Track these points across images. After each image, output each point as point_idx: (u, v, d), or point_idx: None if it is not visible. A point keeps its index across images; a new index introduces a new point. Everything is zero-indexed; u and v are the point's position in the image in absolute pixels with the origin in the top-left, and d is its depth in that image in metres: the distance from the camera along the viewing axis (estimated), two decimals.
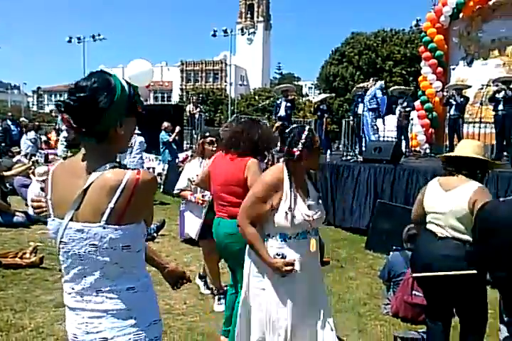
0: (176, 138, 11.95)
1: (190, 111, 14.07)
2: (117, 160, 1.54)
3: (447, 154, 3.28)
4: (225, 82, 66.62)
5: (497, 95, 8.84)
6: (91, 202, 1.44)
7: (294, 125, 2.93)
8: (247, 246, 2.70)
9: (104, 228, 1.44)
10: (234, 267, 3.31)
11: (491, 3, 11.57)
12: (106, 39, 35.73)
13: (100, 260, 1.47)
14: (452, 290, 2.92)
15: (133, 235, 1.49)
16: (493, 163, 3.25)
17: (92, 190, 1.44)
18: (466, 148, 3.06)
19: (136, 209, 1.47)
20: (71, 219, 1.46)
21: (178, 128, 11.95)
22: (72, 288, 1.52)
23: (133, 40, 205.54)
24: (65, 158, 1.76)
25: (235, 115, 18.61)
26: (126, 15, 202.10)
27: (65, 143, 1.67)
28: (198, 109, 14.29)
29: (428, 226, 3.06)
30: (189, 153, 12.37)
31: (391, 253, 4.85)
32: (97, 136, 1.48)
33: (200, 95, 16.36)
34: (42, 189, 1.67)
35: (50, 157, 13.65)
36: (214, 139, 4.31)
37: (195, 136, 13.84)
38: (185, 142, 15.02)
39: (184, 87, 71.38)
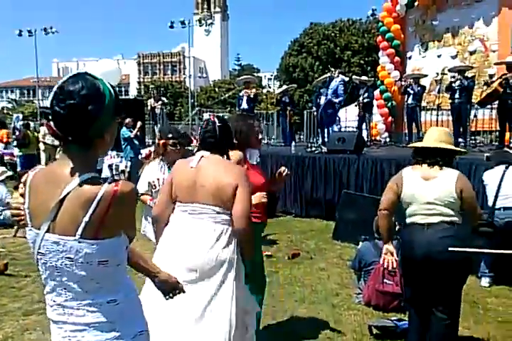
0: (138, 133, 11.72)
1: (151, 105, 13.83)
2: (96, 168, 1.48)
3: (417, 144, 3.33)
4: (184, 74, 65.89)
5: (453, 84, 9.10)
6: (67, 214, 1.38)
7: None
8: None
9: (79, 242, 1.37)
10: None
11: None
12: (58, 32, 34.43)
13: (77, 274, 1.41)
14: (440, 275, 2.98)
15: (111, 250, 1.43)
16: (459, 151, 3.34)
17: (68, 201, 1.38)
18: (435, 136, 3.13)
19: (115, 223, 1.41)
20: (48, 230, 1.40)
21: (139, 124, 11.72)
22: (54, 301, 1.47)
23: (87, 33, 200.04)
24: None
25: (196, 108, 18.43)
26: (80, 6, 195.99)
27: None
28: (160, 102, 14.04)
29: (411, 218, 3.09)
30: (152, 148, 12.15)
31: (360, 243, 4.94)
32: (84, 143, 1.42)
33: (159, 88, 16.06)
34: (22, 195, 1.55)
35: (6, 158, 13.16)
36: (177, 141, 3.88)
37: (157, 130, 13.65)
38: (147, 137, 14.77)
39: (142, 80, 70.13)
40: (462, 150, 3.47)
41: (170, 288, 1.85)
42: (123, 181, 1.45)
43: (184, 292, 1.93)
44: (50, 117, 1.39)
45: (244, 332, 2.59)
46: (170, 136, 3.89)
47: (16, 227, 6.30)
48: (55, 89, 1.42)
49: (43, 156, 12.26)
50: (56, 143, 12.63)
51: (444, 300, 3.06)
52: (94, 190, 1.37)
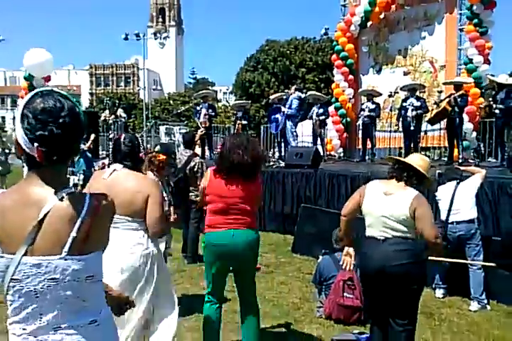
0: (91, 146, 11.46)
1: (105, 117, 13.57)
2: (68, 182, 1.46)
3: (399, 158, 3.45)
4: (138, 86, 65.07)
5: (404, 103, 9.48)
6: (49, 234, 1.33)
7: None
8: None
9: (65, 259, 1.33)
10: (244, 274, 3.40)
11: (394, 15, 12.39)
12: (4, 40, 33.28)
13: (61, 294, 1.35)
14: (394, 288, 3.06)
15: (96, 264, 1.41)
16: (428, 182, 3.40)
17: (49, 220, 1.33)
18: (416, 161, 3.25)
19: (99, 236, 1.40)
20: (25, 254, 1.33)
21: (92, 136, 11.48)
22: (24, 329, 1.38)
23: (36, 42, 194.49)
24: None
25: (152, 121, 18.22)
26: (28, 14, 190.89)
27: None
28: (113, 116, 13.79)
29: (369, 231, 3.20)
30: (106, 161, 11.91)
31: (320, 256, 5.00)
32: (67, 160, 1.40)
33: (111, 100, 15.81)
34: None
35: None
36: (173, 163, 4.09)
37: (110, 142, 13.39)
38: (100, 148, 14.45)
39: (94, 91, 68.79)
40: (431, 179, 3.47)
41: (121, 305, 1.82)
42: (102, 194, 1.45)
43: (134, 306, 1.92)
44: (40, 140, 1.33)
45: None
46: (173, 156, 3.96)
47: None
48: (25, 110, 1.36)
49: None
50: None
51: (400, 312, 3.14)
52: (78, 204, 1.35)
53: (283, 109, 10.46)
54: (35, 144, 1.33)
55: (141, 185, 2.81)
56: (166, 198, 3.50)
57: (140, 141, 3.16)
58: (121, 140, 2.98)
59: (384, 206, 3.11)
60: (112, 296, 1.77)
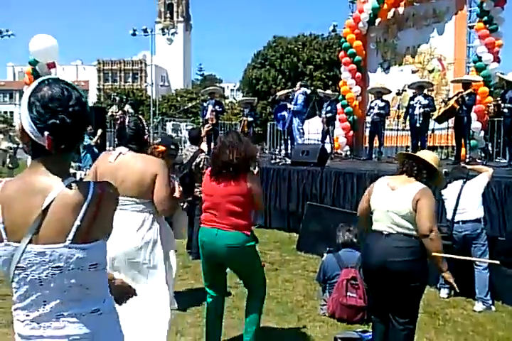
0: (98, 141, 11.49)
1: (112, 112, 13.56)
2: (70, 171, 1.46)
3: (411, 153, 3.49)
4: (145, 82, 65.14)
5: (411, 101, 9.41)
6: (53, 222, 1.34)
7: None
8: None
9: (69, 248, 1.35)
10: (245, 274, 3.43)
11: (403, 11, 12.29)
12: (15, 35, 33.39)
13: (64, 283, 1.37)
14: (394, 285, 3.05)
15: (99, 252, 1.43)
16: (439, 177, 3.35)
17: (53, 208, 1.34)
18: (428, 156, 3.24)
19: (102, 224, 1.42)
20: (30, 242, 1.35)
21: (100, 131, 11.50)
22: (27, 315, 1.40)
23: None
24: None
25: (160, 117, 18.24)
26: (38, 10, 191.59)
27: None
28: (121, 112, 13.78)
29: (374, 225, 3.19)
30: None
31: (324, 255, 4.99)
32: (73, 148, 1.42)
33: (121, 96, 15.85)
34: None
35: None
36: (174, 154, 4.15)
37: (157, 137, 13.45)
38: (107, 144, 14.48)
39: (102, 86, 68.90)
40: (441, 174, 3.41)
41: (123, 293, 1.82)
42: (106, 182, 1.47)
43: (136, 295, 1.91)
44: (51, 129, 1.34)
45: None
46: (172, 147, 4.14)
47: None
48: (32, 98, 1.36)
49: None
50: (5, 147, 12.25)
51: (401, 310, 3.13)
52: (82, 192, 1.36)
53: (289, 105, 10.43)
54: (46, 133, 1.33)
55: (148, 165, 2.86)
56: (172, 178, 3.49)
57: (145, 123, 3.15)
58: (126, 123, 2.99)
59: (390, 201, 3.10)
60: (115, 285, 1.78)
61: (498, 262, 4.43)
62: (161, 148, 3.81)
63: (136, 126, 3.00)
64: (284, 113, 10.60)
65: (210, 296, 3.42)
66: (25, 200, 1.37)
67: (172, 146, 4.15)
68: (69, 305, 1.39)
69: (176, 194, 3.08)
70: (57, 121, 1.34)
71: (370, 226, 3.25)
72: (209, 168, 3.38)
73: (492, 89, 10.52)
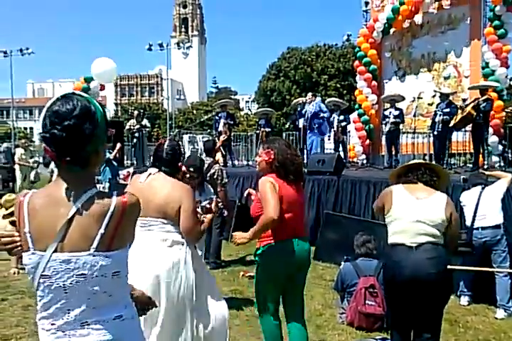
0: (117, 155, 11.64)
1: (130, 126, 13.74)
2: (95, 182, 1.51)
3: (412, 162, 3.47)
4: (162, 96, 66.05)
5: (436, 109, 9.38)
6: (78, 231, 1.40)
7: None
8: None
9: (93, 256, 1.40)
10: (303, 282, 3.36)
11: (418, 20, 12.28)
12: (34, 53, 34.26)
13: (88, 290, 1.41)
14: (426, 296, 3.00)
15: (122, 260, 1.48)
16: (446, 181, 3.40)
17: (77, 219, 1.40)
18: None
19: (125, 233, 1.47)
20: (55, 251, 1.40)
21: (118, 145, 11.65)
22: (52, 324, 1.44)
23: (63, 54, 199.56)
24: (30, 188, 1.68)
25: (176, 130, 18.44)
26: (56, 27, 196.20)
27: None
28: (138, 126, 13.96)
29: (397, 238, 3.09)
30: (131, 170, 12.08)
31: (342, 263, 4.97)
32: (82, 162, 1.44)
33: (139, 110, 16.06)
34: (12, 223, 1.54)
35: None
36: (195, 175, 4.21)
37: (133, 150, 13.60)
38: (125, 158, 14.67)
39: (119, 101, 70.00)
40: (462, 177, 3.54)
41: (143, 305, 1.84)
42: (129, 193, 1.50)
43: (156, 306, 1.95)
44: (47, 141, 1.41)
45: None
46: (191, 169, 4.20)
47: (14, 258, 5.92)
48: (45, 113, 1.44)
49: (18, 177, 12.05)
50: (31, 163, 12.50)
51: (429, 321, 3.07)
52: (105, 203, 1.42)
53: (301, 122, 10.60)
54: (43, 145, 1.42)
55: (174, 191, 2.83)
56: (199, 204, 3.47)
57: (182, 149, 3.13)
58: (164, 147, 3.00)
59: (419, 210, 3.05)
60: (134, 297, 1.79)
61: None
62: (183, 168, 3.89)
63: (173, 151, 3.00)
64: (299, 122, 10.70)
65: (274, 323, 3.25)
66: (50, 210, 1.43)
67: (191, 168, 4.19)
68: (92, 312, 1.43)
69: (205, 223, 3.01)
70: (48, 135, 1.40)
71: (388, 239, 3.20)
72: (274, 180, 3.11)
73: (503, 94, 10.42)
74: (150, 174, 2.95)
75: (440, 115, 9.06)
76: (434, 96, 9.55)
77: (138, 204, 1.51)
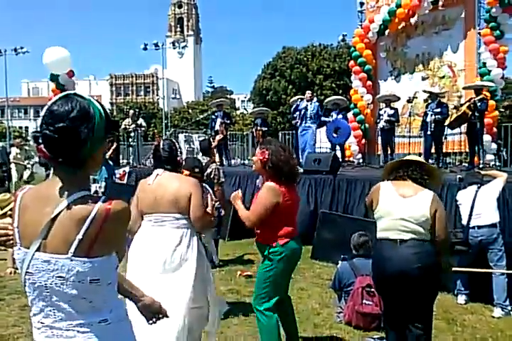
0: (112, 155, 11.60)
1: (126, 124, 13.70)
2: (89, 186, 1.48)
3: (405, 158, 3.42)
4: (157, 95, 65.90)
5: (426, 109, 9.42)
6: (59, 232, 1.36)
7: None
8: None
9: (71, 260, 1.36)
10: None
11: (413, 21, 12.32)
12: (29, 52, 34.04)
13: (67, 293, 1.38)
14: (412, 291, 3.04)
15: (103, 268, 1.41)
16: (439, 181, 3.44)
17: (60, 219, 1.37)
18: (417, 157, 3.27)
19: (107, 241, 1.40)
20: (38, 249, 1.38)
21: (114, 145, 11.62)
22: (42, 322, 1.43)
23: None
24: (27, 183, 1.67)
25: (172, 130, 18.41)
26: (48, 27, 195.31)
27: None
28: (134, 125, 13.92)
29: (383, 234, 3.17)
30: (126, 169, 12.05)
31: (339, 262, 4.98)
32: (76, 164, 1.41)
33: (134, 109, 15.92)
34: (10, 216, 1.53)
35: None
36: (199, 176, 4.29)
37: (131, 149, 13.57)
38: (121, 157, 14.63)
39: (114, 101, 69.80)
40: (458, 176, 3.54)
41: (153, 313, 1.81)
42: (116, 200, 1.43)
43: (167, 316, 1.89)
44: (40, 140, 1.39)
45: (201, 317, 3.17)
46: (196, 170, 4.38)
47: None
48: (44, 112, 1.42)
49: (14, 176, 12.00)
50: (25, 162, 12.44)
51: (418, 316, 3.11)
52: (87, 208, 1.36)
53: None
54: (34, 144, 1.41)
55: (182, 184, 3.08)
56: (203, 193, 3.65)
57: (177, 145, 3.34)
58: (161, 146, 3.22)
59: (403, 209, 3.09)
60: (144, 304, 1.78)
61: None
62: (186, 172, 3.98)
63: (170, 149, 3.21)
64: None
65: (276, 317, 3.35)
66: (38, 208, 1.41)
67: (196, 169, 4.35)
68: (76, 315, 1.40)
69: (209, 209, 3.20)
70: (39, 135, 1.39)
71: (375, 235, 3.25)
72: (275, 185, 3.23)
73: (497, 94, 10.47)
74: (157, 175, 3.15)
75: (432, 115, 9.10)
76: (429, 96, 9.55)
77: (124, 211, 1.43)
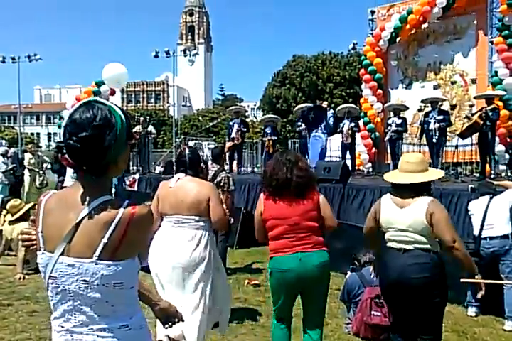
0: None
1: (136, 131, 13.76)
2: (112, 190, 1.50)
3: (389, 180, 3.24)
4: (168, 102, 66.28)
5: (426, 118, 9.38)
6: (83, 237, 1.39)
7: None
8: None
9: (96, 264, 1.38)
10: (320, 297, 3.32)
11: (424, 28, 12.31)
12: (42, 59, 34.45)
13: (91, 297, 1.40)
14: (414, 301, 3.01)
15: (126, 271, 1.43)
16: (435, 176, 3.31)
17: (84, 224, 1.39)
18: (407, 168, 3.14)
19: (131, 245, 1.42)
20: (62, 254, 1.40)
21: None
22: (62, 326, 1.44)
23: (70, 60, 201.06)
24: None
25: (182, 137, 18.48)
26: (63, 33, 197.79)
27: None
28: (144, 132, 14.00)
29: (389, 244, 3.17)
30: (136, 176, 12.08)
31: (348, 273, 4.94)
32: (99, 171, 1.43)
33: (145, 116, 16.05)
34: (33, 221, 1.55)
35: None
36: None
37: (139, 157, 13.61)
38: (131, 164, 14.67)
39: (126, 108, 70.28)
40: (435, 178, 3.29)
41: (169, 317, 1.82)
42: (142, 205, 1.47)
43: (183, 321, 1.90)
44: (64, 150, 1.41)
45: (218, 314, 3.45)
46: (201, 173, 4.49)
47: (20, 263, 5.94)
48: (66, 121, 1.43)
49: (26, 181, 12.06)
50: (38, 168, 12.50)
51: (426, 328, 3.07)
52: (111, 212, 1.39)
53: (321, 135, 10.70)
54: (59, 154, 1.44)
55: (202, 188, 3.30)
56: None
57: (200, 154, 3.62)
58: (185, 153, 3.49)
59: (402, 219, 3.07)
60: (160, 308, 1.79)
61: None
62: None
63: (193, 156, 3.49)
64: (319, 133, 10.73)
65: (280, 329, 3.34)
66: (62, 213, 1.43)
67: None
68: (98, 319, 1.42)
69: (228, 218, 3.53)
70: (63, 145, 1.41)
71: (383, 244, 3.23)
72: (262, 195, 3.26)
73: (510, 103, 10.39)
74: (178, 179, 3.37)
75: (435, 123, 9.05)
76: (431, 104, 9.51)
77: (148, 215, 1.46)
